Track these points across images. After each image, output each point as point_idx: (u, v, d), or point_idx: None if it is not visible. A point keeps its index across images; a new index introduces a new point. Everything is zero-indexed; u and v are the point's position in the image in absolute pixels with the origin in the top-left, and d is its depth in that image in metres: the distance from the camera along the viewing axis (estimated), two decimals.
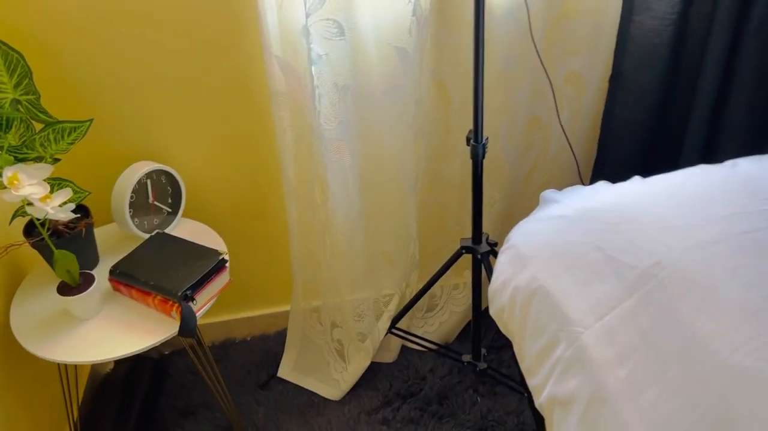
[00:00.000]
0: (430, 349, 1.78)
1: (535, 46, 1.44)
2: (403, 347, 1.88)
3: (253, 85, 1.57)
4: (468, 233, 1.71)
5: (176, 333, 1.33)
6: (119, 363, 1.82)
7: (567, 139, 1.59)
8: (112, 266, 1.40)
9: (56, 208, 1.22)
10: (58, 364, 1.52)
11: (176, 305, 1.33)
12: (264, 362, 1.90)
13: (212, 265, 1.38)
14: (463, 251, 1.54)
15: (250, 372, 1.88)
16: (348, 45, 1.34)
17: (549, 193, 1.23)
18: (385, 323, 1.72)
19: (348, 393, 1.78)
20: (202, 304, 1.38)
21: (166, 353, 1.96)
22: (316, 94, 1.37)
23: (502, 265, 1.10)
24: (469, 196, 1.61)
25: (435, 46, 1.47)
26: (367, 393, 1.78)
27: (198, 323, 1.33)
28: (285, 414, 1.75)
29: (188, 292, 1.33)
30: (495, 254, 1.53)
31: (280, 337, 1.97)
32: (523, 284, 1.00)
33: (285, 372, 1.85)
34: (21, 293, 1.44)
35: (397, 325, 1.76)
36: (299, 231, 1.64)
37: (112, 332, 1.34)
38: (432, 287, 1.69)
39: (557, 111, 1.57)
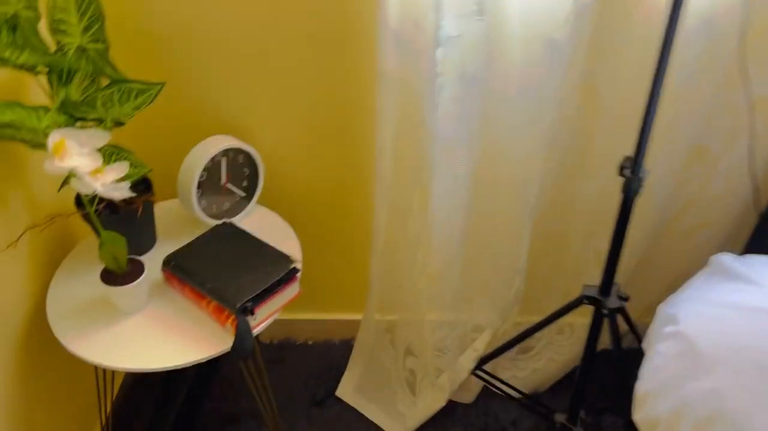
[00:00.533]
0: (516, 398, 1.51)
1: (742, 63, 1.10)
2: (485, 388, 1.61)
3: (357, 62, 1.30)
4: (589, 274, 1.40)
5: (228, 351, 1.10)
6: None
7: (753, 177, 1.25)
8: (167, 257, 1.19)
9: (108, 185, 1.01)
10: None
11: (232, 317, 1.10)
12: (323, 373, 1.68)
13: (281, 274, 1.15)
14: (585, 301, 1.24)
15: (307, 383, 1.66)
16: (486, 27, 1.05)
17: (726, 259, 0.92)
18: (468, 360, 1.45)
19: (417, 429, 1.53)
20: (262, 320, 1.15)
21: None
22: (437, 82, 1.10)
23: (663, 357, 0.80)
24: (600, 231, 1.31)
25: (592, 42, 1.16)
26: None
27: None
28: None
29: (248, 304, 1.10)
30: (624, 313, 1.23)
31: (346, 348, 1.74)
32: (699, 400, 0.71)
33: (345, 391, 1.62)
34: (63, 269, 1.26)
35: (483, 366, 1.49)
36: (386, 239, 1.39)
37: (155, 335, 1.13)
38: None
39: (750, 142, 1.23)
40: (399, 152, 1.27)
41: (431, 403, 1.49)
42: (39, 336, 1.23)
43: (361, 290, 1.68)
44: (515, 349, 1.59)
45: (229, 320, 1.10)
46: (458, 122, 1.13)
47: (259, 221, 1.36)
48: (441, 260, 1.30)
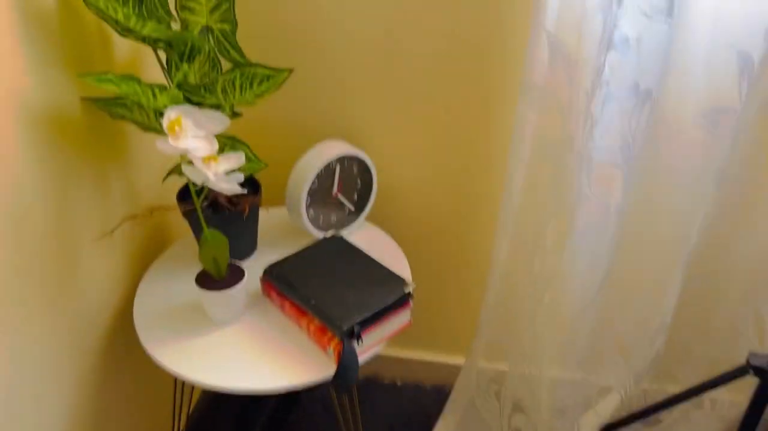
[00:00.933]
0: None
1: None
2: None
3: (495, 69, 1.17)
4: (742, 341, 1.18)
5: (329, 381, 0.96)
6: None
7: None
8: (269, 266, 1.07)
9: (220, 175, 0.90)
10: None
11: (336, 340, 0.96)
12: (412, 419, 1.50)
13: (394, 299, 1.00)
14: (751, 371, 1.02)
15: (393, 428, 1.49)
16: (672, 32, 0.89)
17: None
18: (590, 426, 1.24)
19: None
20: (368, 347, 1.00)
21: None
22: (599, 94, 0.94)
23: None
24: (765, 291, 1.09)
25: None
26: None
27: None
28: None
29: (356, 327, 0.95)
30: None
31: (438, 395, 1.56)
32: None
33: None
34: (155, 269, 1.16)
35: None
36: (505, 276, 1.22)
37: (247, 352, 1.00)
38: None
39: None
40: (533, 174, 1.11)
41: None
42: (123, 337, 1.13)
43: (465, 333, 1.51)
44: (639, 421, 1.37)
45: (332, 344, 0.96)
46: (622, 143, 0.96)
47: (367, 239, 1.23)
48: (574, 308, 1.12)
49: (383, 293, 1.00)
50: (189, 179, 0.94)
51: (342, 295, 1.00)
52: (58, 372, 0.97)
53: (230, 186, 0.92)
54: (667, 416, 1.35)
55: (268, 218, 1.28)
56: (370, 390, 1.57)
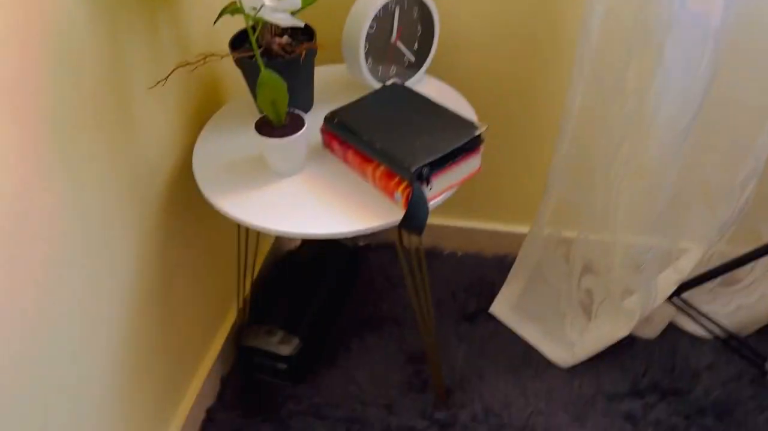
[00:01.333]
0: (718, 337, 1.23)
1: None
2: (671, 324, 1.34)
3: None
4: None
5: (397, 224, 0.92)
6: (308, 242, 1.50)
7: None
8: (329, 113, 1.01)
9: (277, 4, 0.83)
10: (238, 225, 1.20)
11: (405, 184, 0.91)
12: (474, 287, 1.48)
13: (465, 140, 0.93)
14: None
15: (455, 295, 1.47)
16: None
17: None
18: (668, 283, 1.19)
19: (582, 363, 1.30)
20: (438, 193, 0.94)
21: (360, 244, 1.61)
22: None
23: None
24: None
25: None
26: (610, 372, 1.29)
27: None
28: (491, 364, 1.32)
29: (425, 170, 0.90)
30: None
31: (500, 264, 1.52)
32: None
33: (501, 309, 1.41)
34: (212, 125, 1.12)
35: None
36: (578, 125, 1.13)
37: (312, 200, 0.96)
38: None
39: None
40: (618, 7, 1.00)
41: (610, 331, 1.24)
42: (184, 191, 1.11)
43: (530, 200, 1.45)
44: (719, 279, 1.30)
45: (400, 188, 0.91)
46: None
47: (429, 92, 1.15)
48: (657, 156, 1.03)
49: (453, 136, 0.94)
50: (243, 13, 0.87)
51: (409, 138, 0.94)
52: (123, 221, 0.95)
53: (284, 17, 0.85)
54: (747, 275, 1.28)
55: (324, 75, 1.22)
56: (430, 260, 1.55)
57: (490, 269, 1.51)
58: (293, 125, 0.97)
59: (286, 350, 1.27)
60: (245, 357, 1.32)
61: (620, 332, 1.23)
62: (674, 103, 0.97)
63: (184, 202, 1.13)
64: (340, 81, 1.19)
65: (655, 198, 1.07)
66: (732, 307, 1.29)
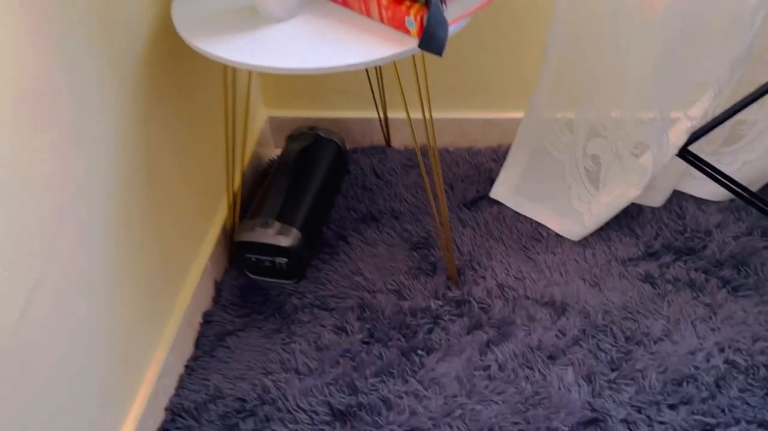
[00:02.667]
0: (734, 191, 1.19)
1: None
2: (675, 191, 1.32)
3: None
4: None
5: (415, 47, 0.84)
6: (295, 138, 1.40)
7: None
8: None
9: None
10: (225, 97, 1.10)
11: (417, 6, 0.83)
12: (470, 177, 1.42)
13: None
14: None
15: (453, 186, 1.40)
16: None
17: None
18: (678, 135, 1.15)
19: (592, 234, 1.26)
20: (454, 19, 0.87)
21: (347, 148, 1.53)
22: None
23: None
24: None
25: None
26: (621, 239, 1.25)
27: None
28: (499, 243, 1.27)
29: None
30: None
31: (494, 154, 1.46)
32: None
33: (501, 192, 1.35)
34: None
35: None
36: None
37: (312, 39, 0.88)
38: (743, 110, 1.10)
39: None
40: None
41: (622, 193, 1.20)
42: (166, 45, 1.01)
43: (521, 83, 1.39)
44: (719, 140, 1.28)
45: (412, 12, 0.83)
46: None
47: None
48: None
49: None
50: None
51: None
52: (102, 82, 0.85)
53: None
54: (749, 130, 1.26)
55: None
56: (424, 155, 1.48)
57: (484, 159, 1.45)
58: None
59: (285, 241, 1.18)
60: (241, 256, 1.23)
61: (632, 192, 1.19)
62: None
63: (167, 55, 1.03)
64: None
65: (668, 34, 1.02)
66: (737, 165, 1.27)
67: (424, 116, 1.03)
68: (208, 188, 1.24)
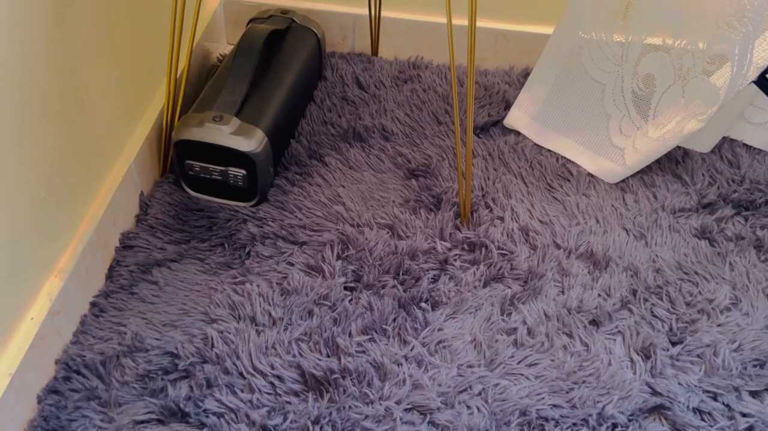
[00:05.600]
0: None
1: None
2: (725, 139, 1.09)
3: None
4: None
5: None
6: (263, 21, 1.07)
7: None
8: None
9: None
10: None
11: None
12: (480, 99, 1.13)
13: None
14: None
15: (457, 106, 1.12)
16: None
17: None
18: (762, 53, 0.91)
19: (632, 177, 1.01)
20: None
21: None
22: None
23: None
24: None
25: None
26: (668, 184, 1.01)
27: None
28: (518, 179, 1.00)
29: None
30: None
31: (506, 76, 1.19)
32: None
33: (519, 118, 1.08)
34: None
35: None
36: None
37: None
38: None
39: None
40: None
41: (677, 126, 0.95)
42: None
43: None
44: None
45: None
46: None
47: None
48: None
49: None
50: None
51: None
52: None
53: None
54: None
55: None
56: (416, 72, 1.18)
57: (496, 80, 1.17)
58: None
59: (247, 145, 0.86)
60: (180, 163, 0.90)
61: (692, 124, 0.94)
62: None
63: None
64: None
65: None
66: None
67: (449, 5, 0.73)
68: (141, 69, 0.89)
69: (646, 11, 0.94)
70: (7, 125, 0.62)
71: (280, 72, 0.98)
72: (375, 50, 1.22)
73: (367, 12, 1.17)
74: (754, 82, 0.95)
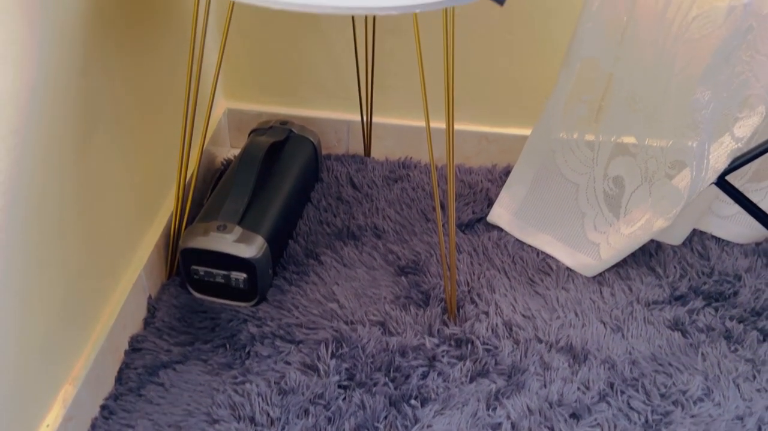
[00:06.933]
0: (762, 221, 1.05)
1: None
2: (695, 231, 1.16)
3: None
4: None
5: None
6: (263, 132, 1.16)
7: None
8: None
9: None
10: (189, 74, 0.85)
11: None
12: (464, 197, 1.22)
13: None
14: None
15: (443, 205, 1.20)
16: None
17: None
18: (721, 154, 1.00)
19: (608, 270, 1.08)
20: None
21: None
22: None
23: None
24: None
25: None
26: (642, 277, 1.07)
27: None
28: (502, 274, 1.07)
29: None
30: None
31: (489, 174, 1.28)
32: None
33: (501, 215, 1.16)
34: None
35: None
36: None
37: None
38: None
39: None
40: None
41: (646, 224, 1.03)
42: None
43: (526, 96, 1.22)
44: (747, 175, 1.14)
45: None
46: None
47: None
48: None
49: None
50: None
51: None
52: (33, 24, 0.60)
53: None
54: None
55: None
56: (406, 172, 1.27)
57: (479, 178, 1.26)
58: None
59: (247, 251, 0.94)
60: (186, 268, 0.97)
61: (660, 222, 1.02)
62: None
63: (118, 19, 0.78)
64: None
65: (728, 28, 0.87)
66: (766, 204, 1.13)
67: (427, 119, 0.83)
68: (151, 178, 0.98)
69: (615, 117, 1.04)
70: (28, 246, 0.69)
71: (280, 181, 1.07)
72: (368, 151, 1.31)
73: (360, 118, 1.27)
74: (714, 183, 1.03)
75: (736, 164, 1.01)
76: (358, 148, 1.31)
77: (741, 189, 1.15)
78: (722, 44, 0.88)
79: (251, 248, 0.94)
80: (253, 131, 1.17)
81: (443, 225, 1.12)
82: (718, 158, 1.00)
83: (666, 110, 0.97)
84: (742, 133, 0.98)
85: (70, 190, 0.75)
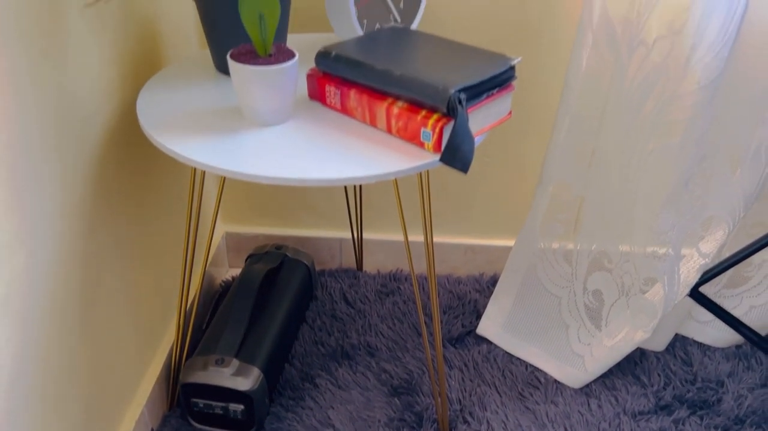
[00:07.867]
0: (748, 338, 1.09)
1: None
2: (677, 335, 1.20)
3: None
4: None
5: (428, 165, 0.71)
6: (259, 258, 1.22)
7: None
8: (322, 49, 0.81)
9: None
10: (189, 211, 0.92)
11: (436, 116, 0.71)
12: (453, 310, 1.27)
13: (501, 69, 0.76)
14: None
15: (432, 318, 1.24)
16: None
17: None
18: (691, 270, 1.05)
19: (595, 381, 1.12)
20: (474, 133, 0.76)
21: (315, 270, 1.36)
22: None
23: None
24: None
25: None
26: (628, 387, 1.11)
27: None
28: (492, 390, 1.10)
29: (462, 96, 0.71)
30: None
31: (477, 284, 1.33)
32: None
33: (489, 328, 1.20)
34: (157, 80, 0.88)
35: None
36: (584, 87, 1.01)
37: (306, 147, 0.74)
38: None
39: None
40: None
41: (628, 335, 1.07)
42: (124, 140, 0.84)
43: (509, 210, 1.29)
44: (722, 281, 1.19)
45: (430, 123, 0.71)
46: None
47: None
48: (690, 107, 0.92)
49: (485, 66, 0.76)
50: None
51: (434, 67, 0.75)
52: (42, 177, 0.68)
53: None
54: (755, 272, 1.18)
55: (299, 44, 1.03)
56: (395, 285, 1.33)
57: (467, 289, 1.31)
58: (281, 57, 0.76)
59: (244, 384, 0.98)
60: (186, 400, 1.01)
61: (639, 334, 1.06)
62: (711, 44, 0.87)
63: (122, 170, 0.86)
64: (313, 48, 1.01)
65: (684, 160, 0.95)
66: (744, 309, 1.18)
67: (406, 237, 0.89)
68: (154, 310, 1.03)
69: (589, 236, 1.10)
70: (41, 393, 0.73)
71: (275, 308, 1.12)
72: (359, 266, 1.37)
73: (351, 235, 1.34)
74: (689, 295, 1.08)
75: (707, 277, 1.07)
76: (351, 262, 1.37)
77: (717, 295, 1.20)
78: (679, 173, 0.96)
79: (248, 381, 0.98)
80: (249, 257, 1.23)
81: (430, 343, 1.16)
82: (689, 273, 1.06)
83: (635, 231, 1.03)
84: (708, 249, 1.04)
85: (77, 342, 0.80)
